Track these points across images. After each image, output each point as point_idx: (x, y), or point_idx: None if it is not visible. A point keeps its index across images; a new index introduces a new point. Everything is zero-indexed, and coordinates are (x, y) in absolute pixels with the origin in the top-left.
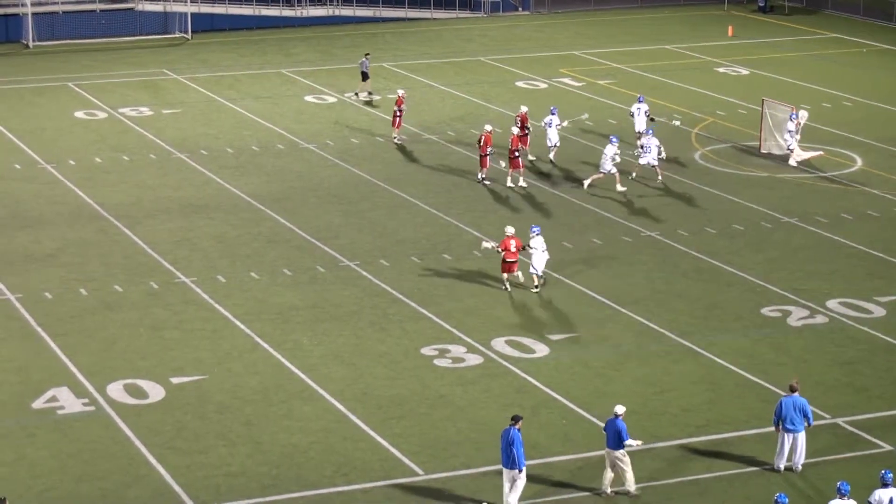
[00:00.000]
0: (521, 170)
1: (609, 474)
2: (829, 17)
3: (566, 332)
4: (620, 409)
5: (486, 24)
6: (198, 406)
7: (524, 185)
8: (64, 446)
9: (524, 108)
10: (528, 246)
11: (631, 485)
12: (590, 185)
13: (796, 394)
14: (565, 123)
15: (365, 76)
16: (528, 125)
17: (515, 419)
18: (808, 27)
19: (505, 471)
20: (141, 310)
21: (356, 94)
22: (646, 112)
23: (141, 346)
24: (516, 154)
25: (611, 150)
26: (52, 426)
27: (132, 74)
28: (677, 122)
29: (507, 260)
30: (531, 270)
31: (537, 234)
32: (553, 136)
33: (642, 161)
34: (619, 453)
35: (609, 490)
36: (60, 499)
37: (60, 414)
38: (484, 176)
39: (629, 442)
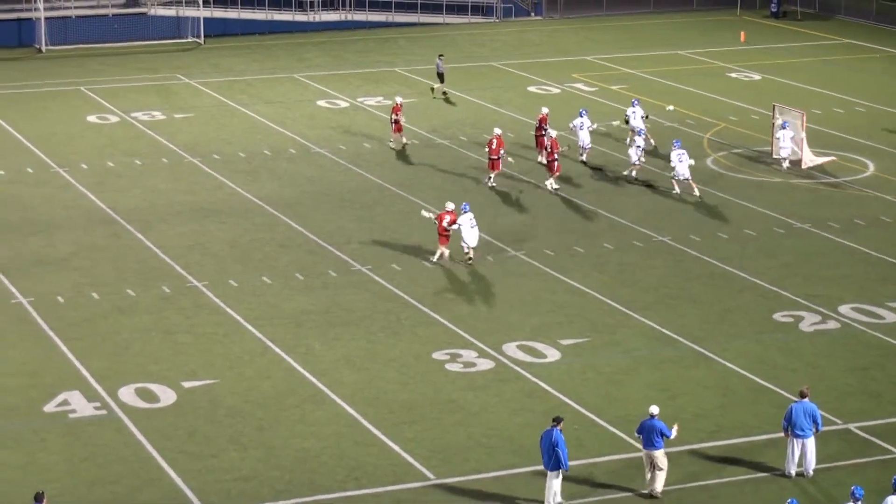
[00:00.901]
0: (557, 173)
1: (651, 475)
2: (841, 22)
3: (578, 336)
4: (655, 409)
5: (498, 29)
6: (209, 410)
7: (557, 186)
8: (75, 450)
9: (545, 110)
10: (457, 224)
11: (660, 486)
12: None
13: (806, 399)
14: (595, 126)
15: (441, 77)
16: (546, 126)
17: (557, 420)
18: (820, 33)
19: (549, 473)
20: (153, 314)
21: (443, 93)
22: (642, 116)
23: (153, 351)
24: (556, 157)
25: (680, 156)
26: (64, 430)
27: (144, 79)
28: (671, 108)
29: (441, 233)
30: (462, 244)
31: (466, 212)
32: (584, 138)
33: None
34: (660, 453)
35: (658, 490)
36: (72, 503)
37: (72, 418)
38: (493, 179)
39: (674, 434)
